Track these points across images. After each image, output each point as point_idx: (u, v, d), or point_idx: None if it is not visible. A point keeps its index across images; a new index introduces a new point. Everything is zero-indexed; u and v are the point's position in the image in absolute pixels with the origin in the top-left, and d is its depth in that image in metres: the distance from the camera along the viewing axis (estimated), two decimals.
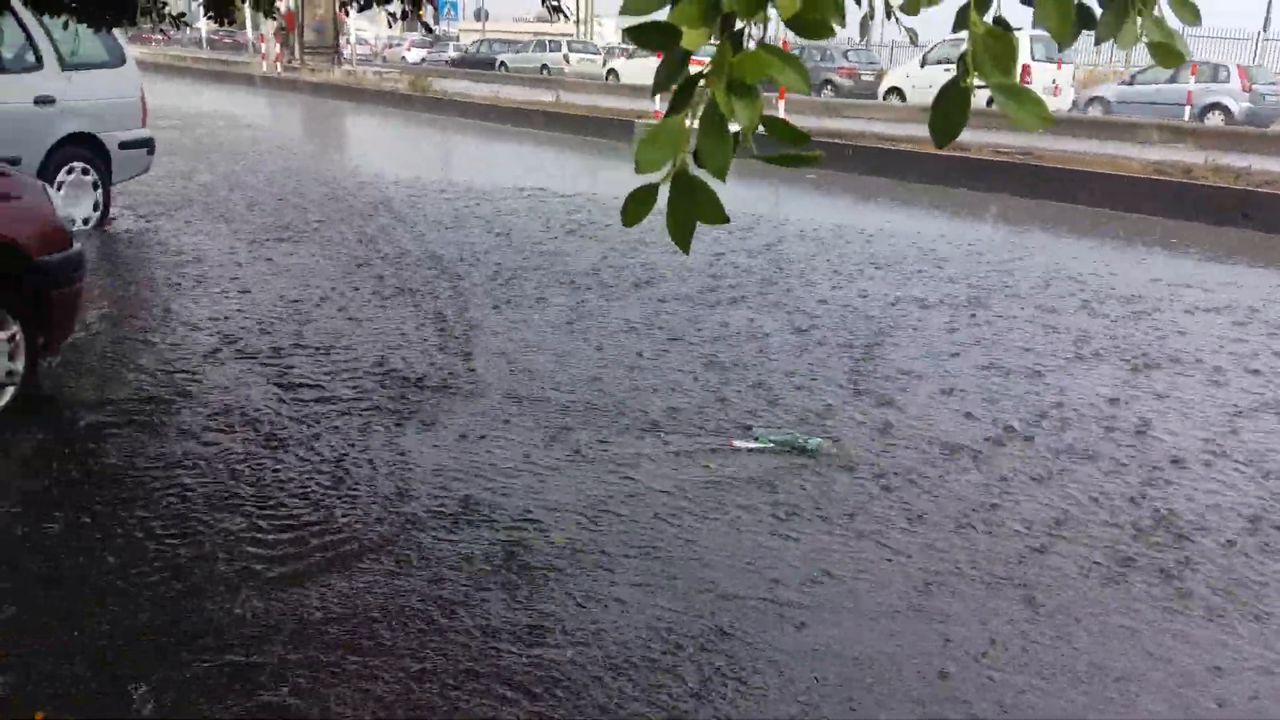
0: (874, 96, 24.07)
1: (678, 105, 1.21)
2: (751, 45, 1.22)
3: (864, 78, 25.72)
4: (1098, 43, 1.39)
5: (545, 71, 33.79)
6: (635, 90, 23.85)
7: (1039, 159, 12.48)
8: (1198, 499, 3.95)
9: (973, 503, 3.85)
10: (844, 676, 2.78)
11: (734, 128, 1.23)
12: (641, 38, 1.19)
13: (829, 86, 26.19)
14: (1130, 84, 22.32)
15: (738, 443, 4.36)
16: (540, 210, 9.95)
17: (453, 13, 39.26)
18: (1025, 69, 18.38)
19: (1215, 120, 19.79)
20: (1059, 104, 20.66)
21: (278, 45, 31.89)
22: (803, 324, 6.15)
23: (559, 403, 4.73)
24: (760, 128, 1.25)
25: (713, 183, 1.27)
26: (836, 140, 13.95)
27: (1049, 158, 12.55)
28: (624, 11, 1.20)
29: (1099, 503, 3.90)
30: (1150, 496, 3.96)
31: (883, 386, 5.10)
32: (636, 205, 1.23)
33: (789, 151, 1.25)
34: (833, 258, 8.13)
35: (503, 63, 35.20)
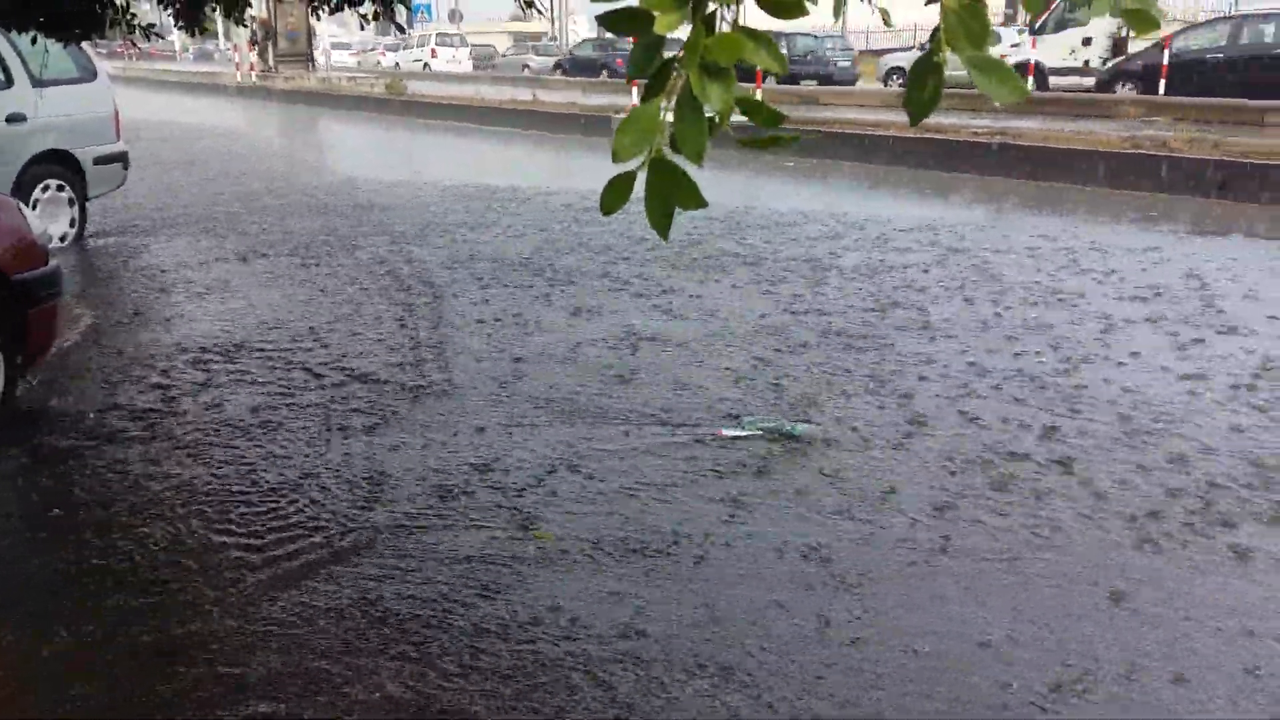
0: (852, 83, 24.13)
1: (652, 91, 1.20)
2: (725, 28, 1.20)
3: (841, 65, 25.60)
4: (1071, 10, 1.38)
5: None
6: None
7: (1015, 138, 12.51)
8: None
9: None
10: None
11: (709, 112, 1.22)
12: (614, 24, 1.18)
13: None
14: None
15: (726, 430, 4.36)
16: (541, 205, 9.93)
17: (426, 15, 38.96)
18: None
19: None
20: None
21: (252, 54, 31.78)
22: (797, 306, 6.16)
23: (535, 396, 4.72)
24: (736, 111, 1.24)
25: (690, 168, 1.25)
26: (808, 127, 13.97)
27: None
28: None
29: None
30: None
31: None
32: (614, 194, 1.22)
33: (766, 134, 1.24)
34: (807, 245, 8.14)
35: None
